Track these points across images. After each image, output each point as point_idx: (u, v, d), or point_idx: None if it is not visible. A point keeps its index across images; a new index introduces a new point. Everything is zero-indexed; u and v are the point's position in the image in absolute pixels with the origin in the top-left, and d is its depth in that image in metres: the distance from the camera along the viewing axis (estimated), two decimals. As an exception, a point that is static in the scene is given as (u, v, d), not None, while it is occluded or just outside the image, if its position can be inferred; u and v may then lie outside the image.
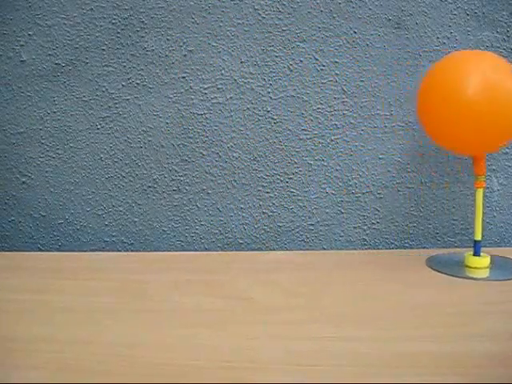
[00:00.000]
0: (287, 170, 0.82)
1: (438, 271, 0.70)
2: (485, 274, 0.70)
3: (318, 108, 0.81)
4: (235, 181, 0.83)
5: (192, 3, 0.80)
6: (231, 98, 0.81)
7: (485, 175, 0.71)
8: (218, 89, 0.81)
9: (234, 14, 0.80)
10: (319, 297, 0.63)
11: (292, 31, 0.80)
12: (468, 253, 0.74)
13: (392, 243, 0.83)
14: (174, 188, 0.83)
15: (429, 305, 0.60)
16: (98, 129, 0.82)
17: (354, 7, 0.79)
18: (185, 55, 0.81)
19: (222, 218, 0.83)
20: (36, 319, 0.58)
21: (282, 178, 0.82)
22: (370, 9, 0.79)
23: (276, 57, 0.80)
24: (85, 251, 0.84)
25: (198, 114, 0.81)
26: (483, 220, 0.83)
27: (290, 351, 0.51)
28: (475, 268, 0.71)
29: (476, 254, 0.72)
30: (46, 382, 0.46)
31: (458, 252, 0.78)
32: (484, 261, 0.72)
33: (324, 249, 0.83)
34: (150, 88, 0.81)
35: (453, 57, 0.67)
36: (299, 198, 0.83)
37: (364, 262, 0.72)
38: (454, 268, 0.71)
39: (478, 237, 0.72)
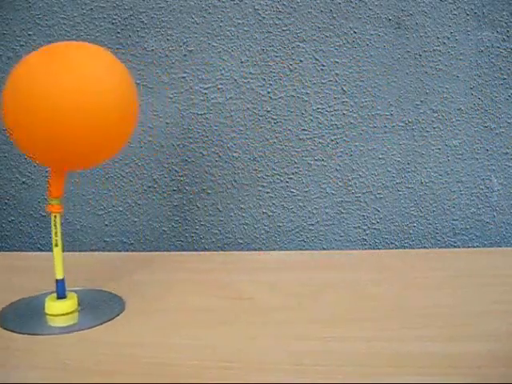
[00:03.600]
0: (287, 170, 0.82)
1: (13, 331, 0.54)
2: (71, 321, 0.56)
3: (318, 108, 0.81)
4: (235, 181, 0.83)
5: (192, 3, 0.80)
6: (231, 98, 0.81)
7: (60, 197, 0.57)
8: (218, 89, 0.81)
9: (233, 13, 0.80)
10: (319, 297, 0.63)
11: (292, 31, 0.80)
12: (51, 295, 0.59)
13: (392, 243, 0.83)
14: (174, 188, 0.83)
15: (429, 305, 0.60)
16: (97, 129, 0.82)
17: (353, 7, 0.79)
18: (185, 55, 0.81)
19: (221, 218, 0.83)
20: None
21: (281, 178, 0.82)
22: (370, 9, 0.79)
23: (276, 57, 0.80)
24: (85, 251, 0.84)
25: (198, 114, 0.81)
26: (483, 220, 0.83)
27: (290, 351, 0.51)
28: (60, 315, 0.57)
29: (60, 295, 0.58)
30: (46, 381, 0.46)
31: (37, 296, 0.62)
32: (66, 305, 0.58)
33: (324, 249, 0.83)
34: (150, 88, 0.81)
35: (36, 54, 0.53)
36: (299, 197, 0.83)
37: (364, 262, 0.72)
38: (30, 322, 0.56)
39: (61, 275, 0.58)
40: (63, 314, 0.58)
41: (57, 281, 0.58)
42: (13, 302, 0.61)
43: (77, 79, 0.50)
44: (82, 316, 0.58)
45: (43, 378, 0.46)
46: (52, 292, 0.60)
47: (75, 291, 0.60)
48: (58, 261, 0.58)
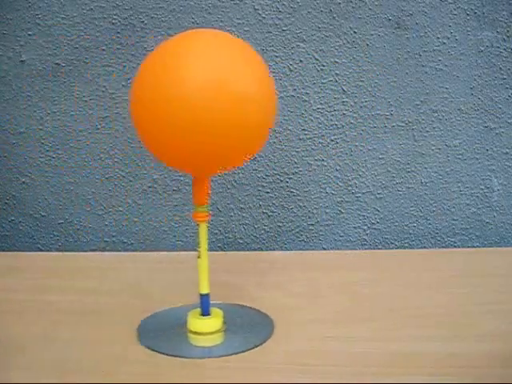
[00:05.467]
0: (287, 170, 0.82)
1: (153, 349, 0.50)
2: (216, 341, 0.51)
3: (318, 108, 0.81)
4: (235, 181, 0.83)
5: (192, 3, 0.80)
6: (231, 98, 0.81)
7: (206, 205, 0.52)
8: (218, 89, 0.81)
9: (233, 13, 0.80)
10: (319, 297, 0.63)
11: (292, 31, 0.80)
12: (193, 310, 0.54)
13: (392, 243, 0.83)
14: (174, 188, 0.83)
15: (428, 305, 0.60)
16: (97, 129, 0.82)
17: (353, 7, 0.79)
18: (185, 55, 0.81)
19: (222, 218, 0.83)
20: (36, 319, 0.58)
21: (281, 178, 0.82)
22: (370, 9, 0.79)
23: (276, 57, 0.80)
24: (85, 251, 0.84)
25: (198, 114, 0.81)
26: (483, 220, 0.83)
27: (290, 351, 0.51)
28: (205, 334, 0.52)
29: (204, 312, 0.53)
30: (46, 381, 0.46)
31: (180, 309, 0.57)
32: (213, 323, 0.52)
33: (324, 249, 0.83)
34: (150, 88, 0.81)
35: (170, 42, 0.48)
36: (299, 197, 0.83)
37: (364, 262, 0.72)
38: (172, 339, 0.51)
39: (205, 290, 0.53)
40: (208, 333, 0.52)
41: (201, 296, 0.53)
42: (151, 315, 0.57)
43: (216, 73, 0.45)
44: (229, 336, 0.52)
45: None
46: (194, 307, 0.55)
47: (217, 305, 0.55)
48: (203, 274, 0.53)
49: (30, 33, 0.81)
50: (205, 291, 0.53)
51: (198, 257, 0.53)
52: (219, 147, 0.45)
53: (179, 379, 0.45)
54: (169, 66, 0.45)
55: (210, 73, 0.44)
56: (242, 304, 0.59)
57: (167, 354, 0.49)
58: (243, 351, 0.49)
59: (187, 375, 0.46)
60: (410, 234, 0.83)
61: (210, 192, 0.52)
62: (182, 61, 0.45)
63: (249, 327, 0.54)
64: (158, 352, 0.49)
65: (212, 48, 0.46)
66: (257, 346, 0.50)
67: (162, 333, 0.52)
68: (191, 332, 0.52)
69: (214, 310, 0.54)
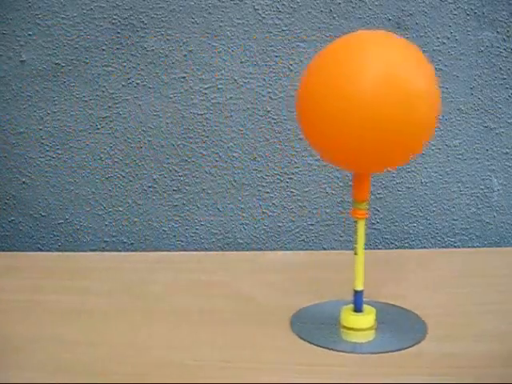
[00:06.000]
0: (287, 170, 0.82)
1: (305, 339, 0.52)
2: (368, 337, 0.52)
3: (318, 108, 0.81)
4: (235, 181, 0.83)
5: (192, 3, 0.80)
6: (231, 98, 0.81)
7: (367, 202, 0.52)
8: (218, 89, 0.81)
9: (233, 13, 0.80)
10: (319, 297, 0.63)
11: (292, 31, 0.80)
12: (346, 306, 0.55)
13: (392, 243, 0.83)
14: (174, 188, 0.83)
15: (428, 305, 0.60)
16: (97, 129, 0.82)
17: (353, 7, 0.79)
18: (185, 55, 0.81)
19: (222, 218, 0.83)
20: (36, 319, 0.58)
21: (282, 178, 0.82)
22: (370, 9, 0.79)
23: (276, 57, 0.80)
24: (85, 251, 0.84)
25: (198, 114, 0.81)
26: (483, 220, 0.83)
27: (290, 351, 0.51)
28: (357, 330, 0.53)
29: (357, 309, 0.53)
30: (46, 381, 0.46)
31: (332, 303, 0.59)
32: (367, 319, 0.53)
33: (324, 249, 0.83)
34: (150, 88, 0.81)
35: (341, 41, 0.50)
36: (299, 197, 0.83)
37: (364, 261, 0.71)
38: (325, 332, 0.53)
39: (360, 286, 0.53)
40: (361, 330, 0.53)
41: (356, 292, 0.53)
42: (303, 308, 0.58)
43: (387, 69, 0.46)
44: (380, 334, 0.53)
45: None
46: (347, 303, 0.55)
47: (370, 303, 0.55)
48: (359, 271, 0.53)
49: (30, 33, 0.81)
50: (359, 288, 0.53)
51: (355, 253, 0.53)
52: (387, 144, 0.46)
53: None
54: (342, 63, 0.46)
55: (384, 70, 0.45)
56: (392, 303, 0.59)
57: (320, 346, 0.51)
58: (395, 351, 0.50)
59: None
60: (410, 233, 0.83)
61: (370, 189, 0.52)
62: (356, 58, 0.46)
63: (401, 327, 0.54)
64: (311, 343, 0.51)
65: (384, 46, 0.48)
66: (409, 347, 0.51)
67: (314, 326, 0.54)
68: (344, 327, 0.53)
69: (367, 307, 0.54)
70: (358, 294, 0.53)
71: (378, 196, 0.83)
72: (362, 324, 0.53)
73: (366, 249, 0.82)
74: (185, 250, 0.84)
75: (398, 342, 0.51)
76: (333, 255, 0.79)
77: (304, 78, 0.49)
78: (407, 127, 0.45)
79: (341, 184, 0.82)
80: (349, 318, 0.53)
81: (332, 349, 0.50)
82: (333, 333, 0.53)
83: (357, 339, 0.52)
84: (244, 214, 0.83)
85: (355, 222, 0.53)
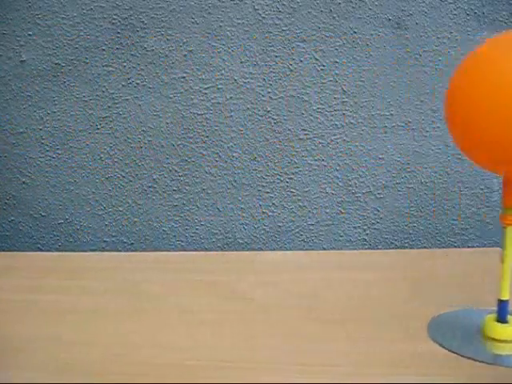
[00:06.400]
0: (287, 170, 0.82)
1: (442, 345, 0.50)
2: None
3: (318, 108, 0.81)
4: (235, 181, 0.83)
5: (192, 3, 0.80)
6: (231, 98, 0.81)
7: None
8: (218, 89, 0.81)
9: (233, 13, 0.80)
10: (319, 297, 0.63)
11: (292, 31, 0.80)
12: (489, 315, 0.52)
13: (392, 243, 0.83)
14: (174, 188, 0.83)
15: (428, 305, 0.60)
16: (97, 129, 0.82)
17: (353, 7, 0.79)
18: (185, 55, 0.81)
19: (222, 218, 0.83)
20: (36, 319, 0.58)
21: (282, 178, 0.82)
22: (370, 9, 0.79)
23: (276, 57, 0.80)
24: (85, 251, 0.84)
25: (198, 114, 0.81)
26: (483, 220, 0.83)
27: (290, 351, 0.51)
28: (500, 341, 0.50)
29: (501, 319, 0.51)
30: (46, 382, 0.46)
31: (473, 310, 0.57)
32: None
33: (324, 249, 0.83)
34: (150, 88, 0.81)
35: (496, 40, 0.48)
36: (299, 197, 0.83)
37: (364, 261, 0.72)
38: (465, 339, 0.51)
39: (506, 295, 0.51)
40: (507, 341, 0.50)
41: (500, 301, 0.51)
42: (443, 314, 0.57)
43: None
44: None
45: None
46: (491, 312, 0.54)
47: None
48: (505, 279, 0.51)
49: (30, 33, 0.81)
50: (505, 297, 0.51)
51: (502, 262, 0.52)
52: None
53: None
54: (496, 62, 0.46)
55: None
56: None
57: (461, 355, 0.49)
58: None
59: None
60: (410, 233, 0.83)
61: None
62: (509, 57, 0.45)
63: None
64: (451, 351, 0.50)
65: None
66: None
67: (454, 333, 0.52)
68: (487, 337, 0.51)
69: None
70: (503, 304, 0.51)
71: (377, 196, 0.83)
72: (506, 335, 0.51)
73: (366, 249, 0.83)
74: (185, 250, 0.84)
75: None
76: (333, 255, 0.79)
77: (456, 78, 0.48)
78: None
79: (341, 184, 0.82)
80: (493, 327, 0.51)
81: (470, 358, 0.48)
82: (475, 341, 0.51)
83: (500, 351, 0.50)
84: (244, 214, 0.83)
85: (503, 227, 0.51)
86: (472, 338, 0.51)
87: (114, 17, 0.80)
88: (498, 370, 0.46)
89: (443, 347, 0.50)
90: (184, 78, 0.81)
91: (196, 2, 0.80)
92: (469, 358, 0.48)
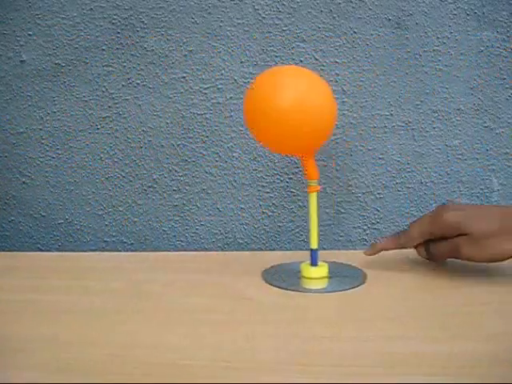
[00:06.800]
0: (287, 170, 0.82)
1: (272, 284, 0.66)
2: (322, 284, 0.67)
3: (318, 108, 0.81)
4: (235, 181, 0.83)
5: (192, 3, 0.80)
6: (231, 98, 0.81)
7: (318, 179, 0.67)
8: (218, 89, 0.81)
9: (233, 13, 0.80)
10: (319, 297, 0.63)
11: (292, 31, 0.80)
12: (305, 262, 0.69)
13: (392, 243, 0.83)
14: (174, 188, 0.83)
15: (428, 305, 0.60)
16: (98, 129, 0.82)
17: (354, 7, 0.79)
18: (185, 55, 0.81)
19: (221, 218, 0.83)
20: (36, 319, 0.58)
21: (281, 178, 0.82)
22: (370, 9, 0.79)
23: (276, 57, 0.80)
24: (85, 251, 0.84)
25: (198, 114, 0.81)
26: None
27: (290, 351, 0.51)
28: (312, 278, 0.67)
29: (313, 263, 0.68)
30: (46, 382, 0.46)
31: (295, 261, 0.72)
32: (321, 270, 0.68)
33: (324, 249, 0.83)
34: (150, 88, 0.81)
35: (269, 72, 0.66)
36: (299, 197, 0.83)
37: (364, 261, 0.71)
38: (290, 280, 0.67)
39: (315, 245, 0.67)
40: (316, 278, 0.67)
41: (311, 250, 0.67)
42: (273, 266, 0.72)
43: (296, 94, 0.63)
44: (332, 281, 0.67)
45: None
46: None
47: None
48: (314, 232, 0.67)
49: (30, 33, 0.81)
50: (314, 246, 0.67)
51: (310, 220, 0.67)
52: (299, 140, 0.64)
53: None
54: (270, 88, 0.64)
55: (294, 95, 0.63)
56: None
57: (286, 289, 0.65)
58: (341, 290, 0.65)
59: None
60: (410, 234, 0.83)
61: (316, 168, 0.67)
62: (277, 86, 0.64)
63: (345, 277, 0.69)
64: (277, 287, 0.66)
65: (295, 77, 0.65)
66: (352, 288, 0.65)
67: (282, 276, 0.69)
68: (304, 277, 0.68)
69: (321, 263, 0.68)
70: (313, 252, 0.67)
71: (378, 196, 0.83)
72: (316, 274, 0.68)
73: (366, 249, 0.82)
74: (185, 250, 0.84)
75: (344, 285, 0.66)
76: (333, 255, 0.79)
77: (248, 93, 0.65)
78: (310, 133, 0.63)
79: (341, 184, 0.82)
80: (307, 269, 0.68)
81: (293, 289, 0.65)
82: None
83: (314, 286, 0.67)
84: (244, 214, 0.83)
85: (309, 195, 0.67)
86: (295, 277, 0.68)
87: (114, 17, 0.80)
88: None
89: (275, 286, 0.65)
90: (184, 77, 0.81)
91: (196, 1, 0.80)
92: (291, 290, 0.65)
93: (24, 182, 0.84)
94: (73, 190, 0.83)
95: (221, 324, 0.56)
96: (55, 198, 0.84)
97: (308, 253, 0.68)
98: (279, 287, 0.65)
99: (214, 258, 0.77)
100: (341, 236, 0.83)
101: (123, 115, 0.82)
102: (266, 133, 0.65)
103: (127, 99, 0.81)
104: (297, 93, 0.63)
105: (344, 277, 0.68)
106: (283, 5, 0.79)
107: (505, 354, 0.50)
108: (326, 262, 0.69)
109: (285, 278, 0.68)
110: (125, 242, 0.84)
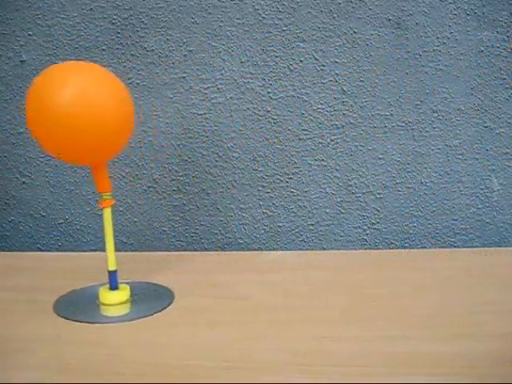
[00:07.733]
0: (287, 170, 0.82)
1: (67, 318, 0.57)
2: (124, 310, 0.60)
3: (318, 108, 0.81)
4: (235, 181, 0.83)
5: (192, 3, 0.80)
6: (231, 98, 0.81)
7: (110, 192, 0.61)
8: (218, 89, 0.81)
9: (233, 13, 0.80)
10: (319, 297, 0.63)
11: (292, 31, 0.80)
12: (104, 286, 0.62)
13: (392, 243, 0.83)
14: (174, 188, 0.83)
15: (428, 305, 0.60)
16: (97, 129, 0.82)
17: (354, 7, 0.79)
18: (185, 55, 0.81)
19: (221, 218, 0.83)
20: (36, 319, 0.58)
21: (281, 178, 0.82)
22: (370, 9, 0.79)
23: (276, 57, 0.80)
24: (85, 251, 0.84)
25: (198, 114, 0.81)
26: (483, 220, 0.83)
27: (290, 351, 0.51)
28: (111, 305, 0.60)
29: (112, 287, 0.61)
30: (46, 381, 0.46)
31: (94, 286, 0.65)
32: (122, 294, 0.61)
33: (324, 249, 0.83)
34: (150, 88, 0.81)
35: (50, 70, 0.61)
36: (299, 197, 0.83)
37: (364, 262, 0.72)
38: (87, 310, 0.59)
39: (113, 266, 0.61)
40: (117, 304, 0.60)
41: (109, 272, 0.61)
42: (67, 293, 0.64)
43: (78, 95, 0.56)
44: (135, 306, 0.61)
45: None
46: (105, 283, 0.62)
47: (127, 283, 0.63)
48: (111, 252, 0.61)
49: (30, 33, 0.81)
50: (113, 268, 0.61)
51: (106, 239, 0.61)
52: (84, 144, 0.57)
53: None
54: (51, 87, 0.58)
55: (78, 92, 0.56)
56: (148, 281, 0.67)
57: (79, 321, 0.57)
58: (147, 316, 0.58)
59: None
60: (410, 233, 0.83)
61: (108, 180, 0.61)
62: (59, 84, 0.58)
63: (152, 298, 0.63)
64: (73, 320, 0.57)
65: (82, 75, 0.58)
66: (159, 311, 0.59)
67: (77, 306, 0.61)
68: (103, 304, 0.61)
69: (122, 285, 0.62)
70: (111, 274, 0.61)
71: (377, 196, 0.83)
72: (116, 299, 0.61)
73: (366, 249, 0.83)
74: (185, 250, 0.84)
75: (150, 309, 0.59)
76: (333, 255, 0.79)
77: (29, 92, 0.58)
78: (97, 134, 0.56)
79: (341, 184, 0.82)
80: (105, 295, 0.61)
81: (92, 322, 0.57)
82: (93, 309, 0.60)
83: (112, 313, 0.59)
84: (244, 214, 0.83)
85: (103, 210, 0.61)
86: (92, 305, 0.60)
87: (114, 17, 0.80)
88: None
89: (69, 319, 0.57)
90: (184, 77, 0.81)
91: (196, 1, 0.80)
92: (84, 322, 0.56)
93: (24, 182, 0.84)
94: (73, 190, 0.83)
95: (221, 324, 0.56)
96: (55, 198, 0.84)
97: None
98: (77, 321, 0.57)
99: (214, 258, 0.77)
100: (341, 236, 0.83)
101: (123, 115, 0.82)
102: (46, 136, 0.57)
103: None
104: (75, 89, 0.55)
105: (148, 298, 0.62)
106: (283, 5, 0.79)
107: (505, 354, 0.50)
108: (128, 282, 0.63)
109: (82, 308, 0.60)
110: (125, 242, 0.84)
